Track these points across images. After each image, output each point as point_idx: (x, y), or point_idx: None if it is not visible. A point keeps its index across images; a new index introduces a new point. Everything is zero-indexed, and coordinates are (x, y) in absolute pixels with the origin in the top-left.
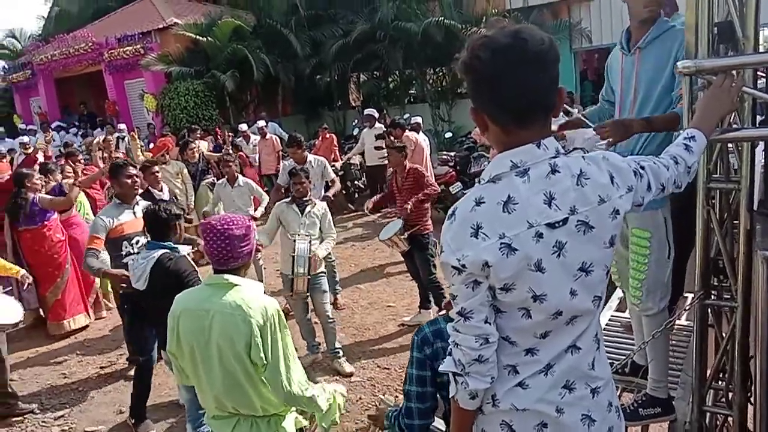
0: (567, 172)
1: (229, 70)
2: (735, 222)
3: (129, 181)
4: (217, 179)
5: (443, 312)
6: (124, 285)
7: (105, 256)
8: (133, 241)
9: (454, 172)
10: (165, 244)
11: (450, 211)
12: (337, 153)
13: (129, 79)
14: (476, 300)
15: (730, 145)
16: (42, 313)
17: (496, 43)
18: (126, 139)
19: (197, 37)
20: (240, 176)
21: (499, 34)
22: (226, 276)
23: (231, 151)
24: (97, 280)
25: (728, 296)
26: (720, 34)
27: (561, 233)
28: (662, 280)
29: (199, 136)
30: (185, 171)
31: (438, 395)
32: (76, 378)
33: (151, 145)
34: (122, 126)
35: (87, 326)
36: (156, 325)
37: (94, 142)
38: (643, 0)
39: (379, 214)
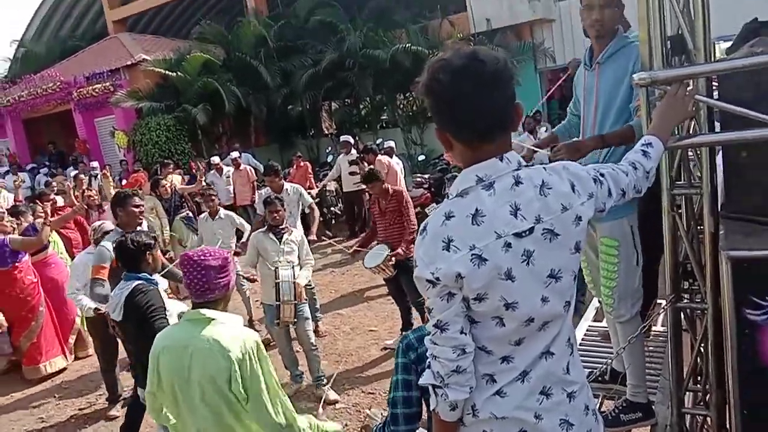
0: (530, 183)
1: (200, 103)
2: (700, 227)
3: (136, 210)
4: (192, 213)
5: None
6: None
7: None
8: None
9: (429, 194)
10: (140, 275)
11: (422, 227)
12: (312, 181)
13: (99, 117)
14: (451, 311)
15: (690, 152)
16: (16, 357)
17: (454, 66)
18: (98, 176)
19: (167, 72)
20: (221, 209)
21: (456, 56)
22: (203, 311)
23: (206, 184)
24: (78, 318)
25: (699, 299)
26: (673, 47)
27: (528, 242)
28: (632, 287)
29: (171, 170)
30: (159, 206)
31: (423, 400)
32: (55, 421)
33: (124, 182)
34: (94, 164)
35: (65, 368)
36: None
37: (65, 181)
38: (585, 21)
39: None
